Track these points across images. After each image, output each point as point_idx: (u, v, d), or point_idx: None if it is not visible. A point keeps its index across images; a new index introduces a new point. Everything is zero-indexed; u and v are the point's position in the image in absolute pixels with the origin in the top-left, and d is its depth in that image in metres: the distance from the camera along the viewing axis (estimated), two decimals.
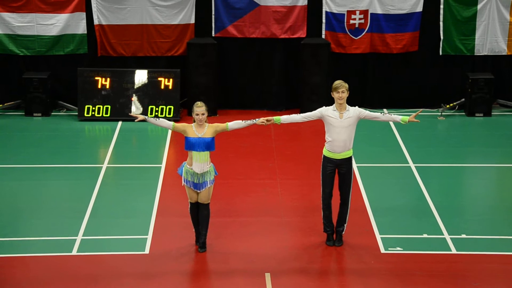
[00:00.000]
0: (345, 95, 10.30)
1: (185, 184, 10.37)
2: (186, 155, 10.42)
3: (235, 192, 12.56)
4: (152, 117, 10.30)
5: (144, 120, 10.27)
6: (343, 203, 10.67)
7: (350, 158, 10.48)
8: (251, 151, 14.38)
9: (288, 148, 14.52)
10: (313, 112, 10.48)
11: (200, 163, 10.19)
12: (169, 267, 10.20)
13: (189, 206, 10.57)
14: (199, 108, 10.16)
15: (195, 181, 10.28)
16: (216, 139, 10.32)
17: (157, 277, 9.99)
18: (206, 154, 10.21)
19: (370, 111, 10.53)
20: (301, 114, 10.51)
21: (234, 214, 11.80)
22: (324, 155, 10.50)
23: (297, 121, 10.53)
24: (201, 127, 10.20)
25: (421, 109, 10.98)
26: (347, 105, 10.37)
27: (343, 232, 10.77)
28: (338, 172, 10.54)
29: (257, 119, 10.35)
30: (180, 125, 10.30)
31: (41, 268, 10.22)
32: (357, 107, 10.46)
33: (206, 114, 10.20)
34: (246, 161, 13.88)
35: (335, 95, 10.32)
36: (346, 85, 10.33)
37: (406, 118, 10.42)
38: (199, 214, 10.48)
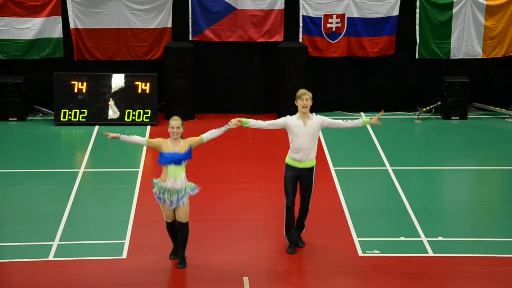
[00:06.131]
0: (309, 103, 10.32)
1: (158, 202, 10.11)
2: None
3: (214, 196, 12.53)
4: (125, 135, 10.11)
5: (117, 138, 10.01)
6: (303, 210, 10.70)
7: (312, 169, 10.48)
8: (230, 155, 14.36)
9: (267, 152, 14.52)
10: (278, 120, 10.51)
11: (175, 177, 9.96)
12: (146, 271, 10.15)
13: (165, 225, 10.34)
14: (174, 122, 9.96)
15: (171, 198, 9.98)
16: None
17: (135, 281, 9.94)
18: (181, 169, 10.00)
19: (333, 119, 10.51)
20: (267, 122, 10.50)
21: (213, 218, 11.78)
22: (286, 163, 10.51)
23: (262, 128, 10.49)
24: (176, 141, 10.01)
25: (382, 111, 10.82)
26: (310, 114, 10.39)
27: (303, 232, 10.82)
28: (299, 181, 10.54)
29: (229, 123, 10.22)
30: (155, 140, 10.08)
31: (17, 273, 10.13)
32: (319, 115, 10.48)
33: (181, 129, 9.99)
34: (225, 165, 13.86)
35: (299, 103, 10.33)
36: (310, 93, 10.35)
37: (368, 120, 10.48)
38: (178, 233, 10.22)
